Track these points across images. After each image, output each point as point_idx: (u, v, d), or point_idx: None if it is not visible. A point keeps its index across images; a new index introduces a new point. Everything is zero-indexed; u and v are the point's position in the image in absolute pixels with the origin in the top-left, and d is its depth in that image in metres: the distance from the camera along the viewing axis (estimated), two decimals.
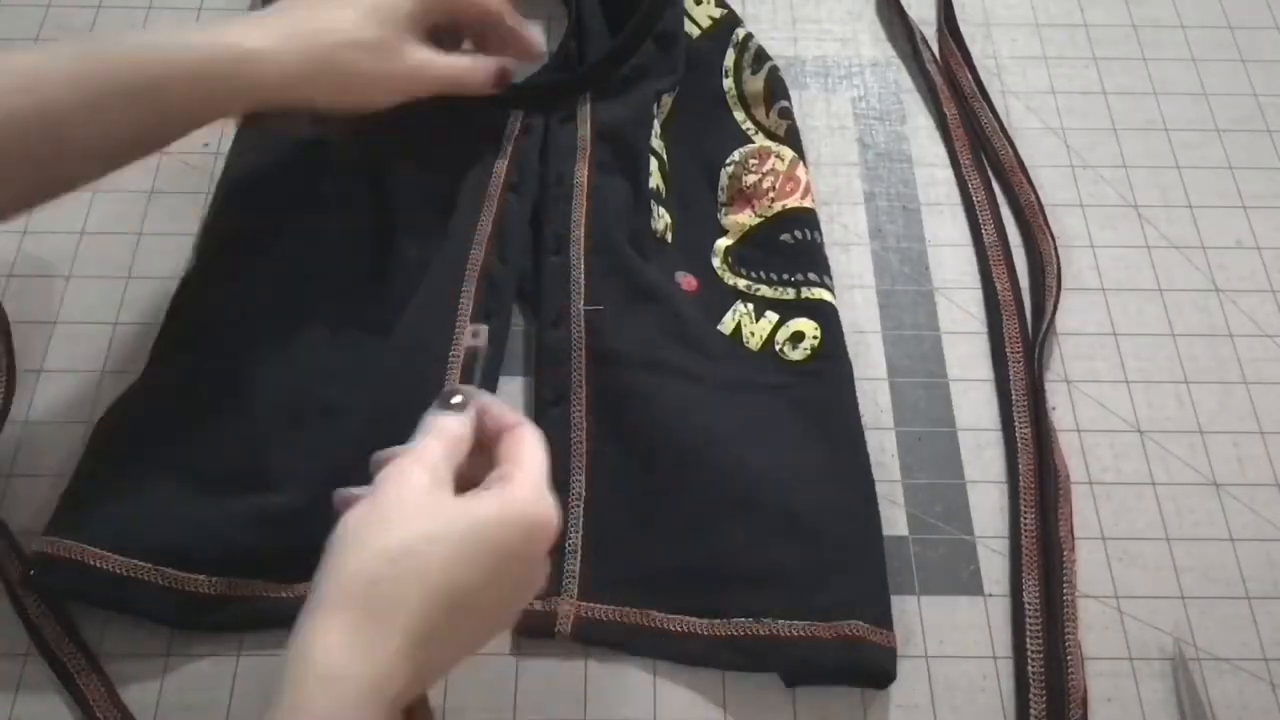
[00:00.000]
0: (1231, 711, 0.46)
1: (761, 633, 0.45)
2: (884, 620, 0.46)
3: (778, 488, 0.48)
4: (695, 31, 0.62)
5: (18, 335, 0.54)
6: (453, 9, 0.53)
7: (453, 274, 0.53)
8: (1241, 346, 0.56)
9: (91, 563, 0.45)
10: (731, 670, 0.46)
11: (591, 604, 0.46)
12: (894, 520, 0.50)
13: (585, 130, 0.59)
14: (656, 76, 0.60)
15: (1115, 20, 0.68)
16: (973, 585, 0.49)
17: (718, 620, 0.46)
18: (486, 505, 0.36)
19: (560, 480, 0.49)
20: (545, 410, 0.51)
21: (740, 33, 0.62)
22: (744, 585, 0.47)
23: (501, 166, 0.57)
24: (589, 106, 0.59)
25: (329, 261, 0.54)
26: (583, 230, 0.55)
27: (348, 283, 0.54)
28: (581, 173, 0.57)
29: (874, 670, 0.45)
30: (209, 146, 0.60)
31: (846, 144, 0.62)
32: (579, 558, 0.47)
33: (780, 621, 0.46)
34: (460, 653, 0.37)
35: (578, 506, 0.48)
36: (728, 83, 0.61)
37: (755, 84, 0.61)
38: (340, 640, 0.32)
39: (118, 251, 0.57)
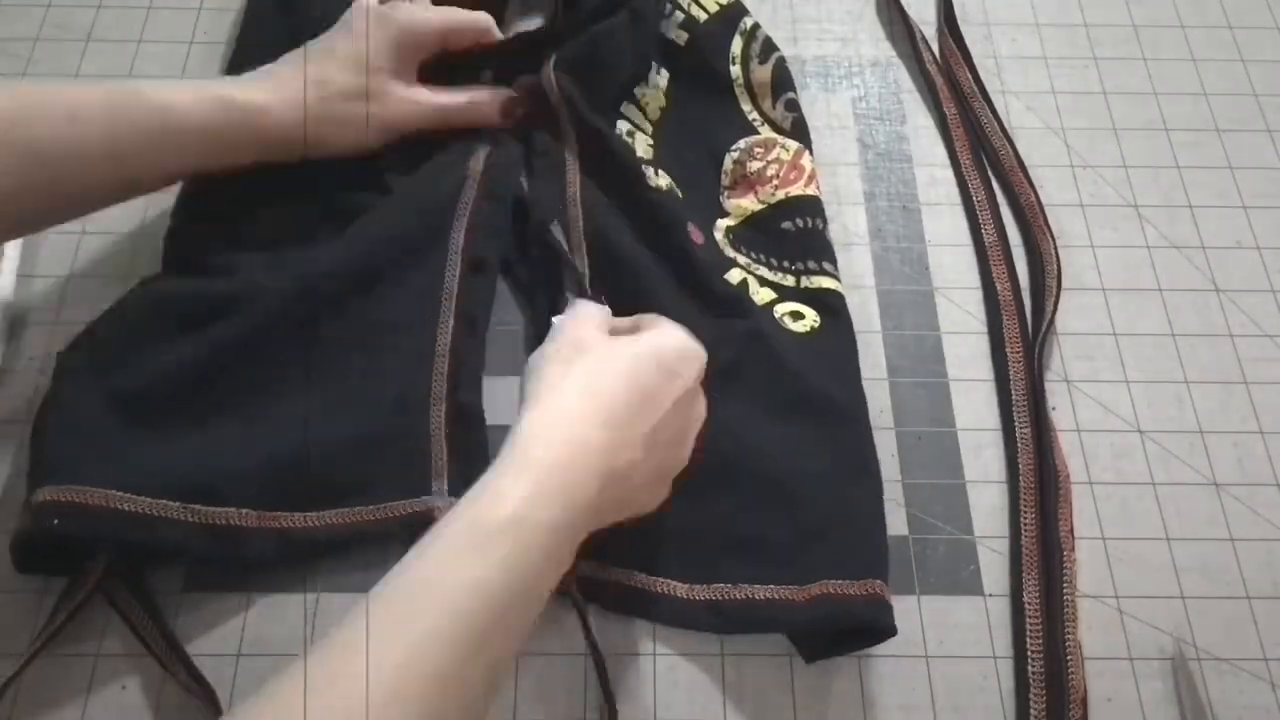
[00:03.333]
0: (1231, 711, 0.46)
1: (738, 596, 0.46)
2: (865, 573, 0.46)
3: (766, 457, 0.49)
4: (702, 16, 0.62)
5: (17, 335, 0.54)
6: (439, 42, 0.57)
7: (439, 217, 0.55)
8: (1241, 346, 0.56)
9: (118, 506, 0.44)
10: (709, 632, 0.47)
11: (580, 560, 0.47)
12: (894, 520, 0.50)
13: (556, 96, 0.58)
14: (626, 54, 0.60)
15: (1115, 20, 0.68)
16: (973, 585, 0.49)
17: (697, 586, 0.47)
18: (646, 338, 0.44)
19: None
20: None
21: (748, 21, 0.62)
22: (726, 553, 0.48)
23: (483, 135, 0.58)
24: (553, 65, 0.58)
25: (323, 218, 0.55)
26: (580, 209, 0.56)
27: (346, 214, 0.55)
28: (569, 151, 0.57)
29: (855, 620, 0.45)
30: None
31: (846, 144, 0.62)
32: None
33: (756, 586, 0.46)
34: (655, 454, 0.43)
35: None
36: (735, 69, 0.61)
37: (763, 74, 0.61)
38: (566, 409, 0.41)
39: (118, 251, 0.57)
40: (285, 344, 0.50)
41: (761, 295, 0.54)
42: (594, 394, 0.41)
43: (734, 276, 0.55)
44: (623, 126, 0.59)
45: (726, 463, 0.49)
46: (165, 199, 0.58)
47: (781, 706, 0.46)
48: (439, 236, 0.54)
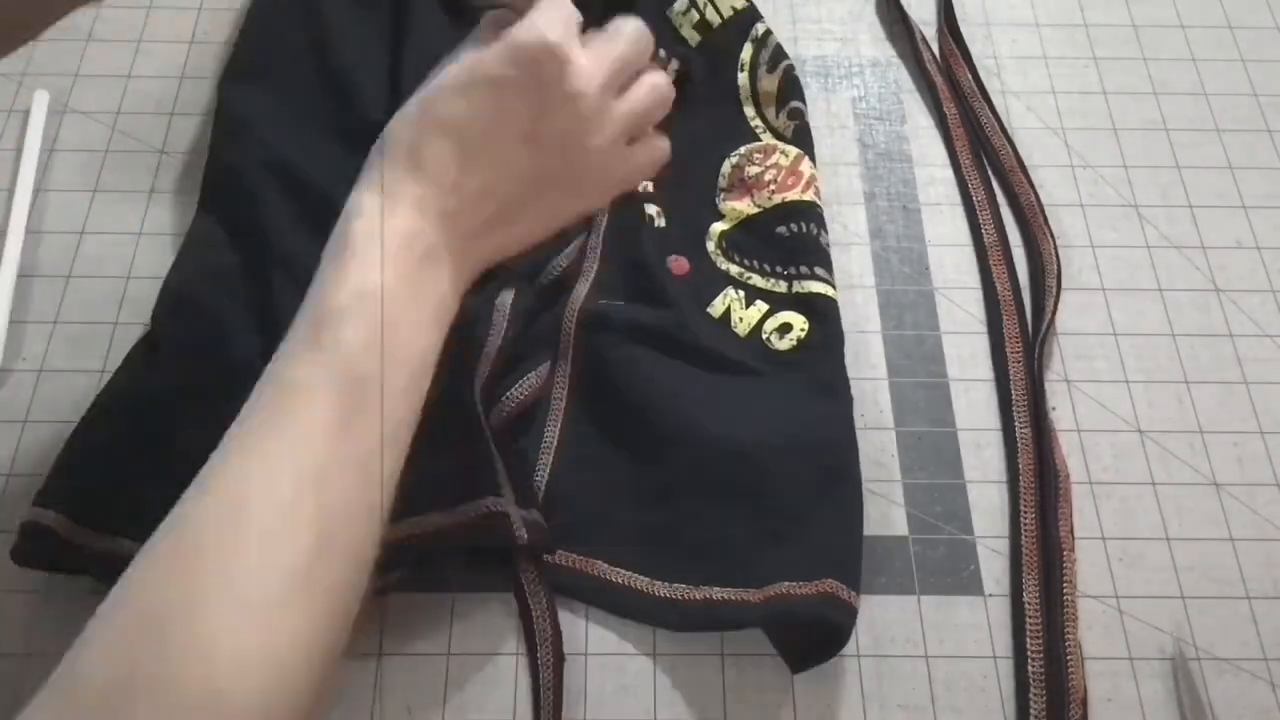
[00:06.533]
0: (1231, 711, 0.46)
1: (696, 597, 0.47)
2: (817, 574, 0.46)
3: (738, 463, 0.49)
4: (716, 20, 0.62)
5: (18, 335, 0.54)
6: None
7: None
8: (1241, 346, 0.56)
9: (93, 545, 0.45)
10: (664, 629, 0.47)
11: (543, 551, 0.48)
12: (894, 520, 0.50)
13: None
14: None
15: (1115, 20, 0.68)
16: (973, 585, 0.49)
17: (658, 582, 0.47)
18: (484, 46, 0.37)
19: (535, 428, 0.51)
20: (534, 366, 0.52)
21: (760, 28, 0.62)
22: (692, 553, 0.48)
23: None
24: None
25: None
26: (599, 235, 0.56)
27: None
28: None
29: (808, 618, 0.45)
30: None
31: (846, 144, 0.62)
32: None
33: (715, 588, 0.47)
34: (510, 214, 0.39)
35: (546, 454, 0.50)
36: (742, 77, 0.61)
37: (770, 83, 0.61)
38: (370, 201, 0.36)
39: (118, 251, 0.57)
40: None
41: (748, 317, 0.54)
42: (412, 155, 0.38)
43: (718, 306, 0.55)
44: None
45: (700, 466, 0.49)
46: (166, 195, 0.58)
47: (781, 706, 0.46)
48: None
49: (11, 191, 0.58)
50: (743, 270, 0.56)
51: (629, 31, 0.42)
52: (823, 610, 0.45)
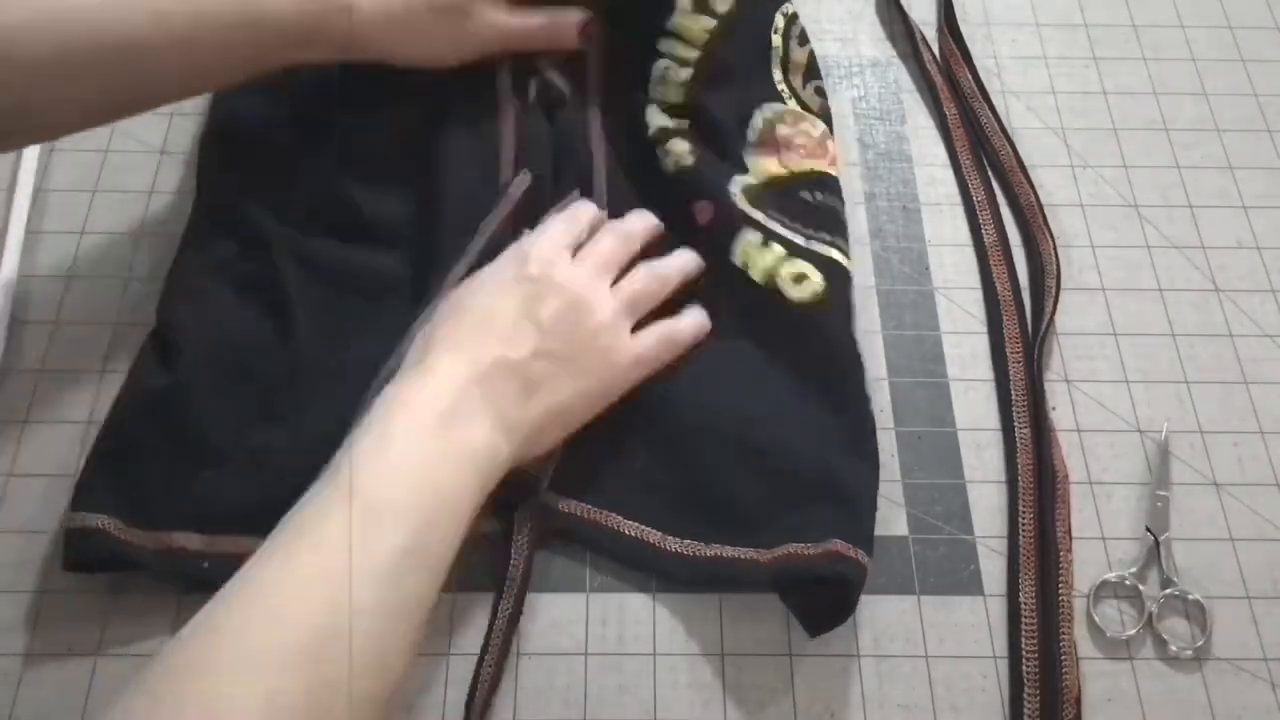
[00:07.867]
0: (1231, 712, 0.46)
1: (706, 554, 0.48)
2: (825, 536, 0.46)
3: (756, 424, 0.50)
4: None
5: (18, 335, 0.54)
6: None
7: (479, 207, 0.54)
8: (1241, 346, 0.56)
9: (133, 541, 0.46)
10: (670, 580, 0.48)
11: (556, 496, 0.49)
12: (894, 520, 0.50)
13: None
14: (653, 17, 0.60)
15: (1115, 20, 0.68)
16: (972, 585, 0.49)
17: (670, 538, 0.48)
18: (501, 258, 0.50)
19: None
20: None
21: (789, 8, 0.62)
22: (702, 513, 0.49)
23: (506, 82, 0.58)
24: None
25: (336, 223, 0.55)
26: (602, 157, 0.57)
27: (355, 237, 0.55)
28: (593, 87, 0.59)
29: (816, 575, 0.46)
30: None
31: (846, 144, 0.62)
32: (558, 455, 0.49)
33: (726, 547, 0.48)
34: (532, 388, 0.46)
35: None
36: (776, 39, 0.61)
37: (800, 55, 0.61)
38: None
39: (118, 251, 0.57)
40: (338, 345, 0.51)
41: (766, 259, 0.53)
42: (435, 335, 0.46)
43: (737, 253, 0.54)
44: (660, 66, 0.58)
45: (716, 430, 0.50)
46: (166, 195, 0.58)
47: (781, 706, 0.46)
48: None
49: (11, 191, 0.58)
50: (764, 218, 0.55)
51: (621, 228, 0.52)
52: (829, 567, 0.46)
